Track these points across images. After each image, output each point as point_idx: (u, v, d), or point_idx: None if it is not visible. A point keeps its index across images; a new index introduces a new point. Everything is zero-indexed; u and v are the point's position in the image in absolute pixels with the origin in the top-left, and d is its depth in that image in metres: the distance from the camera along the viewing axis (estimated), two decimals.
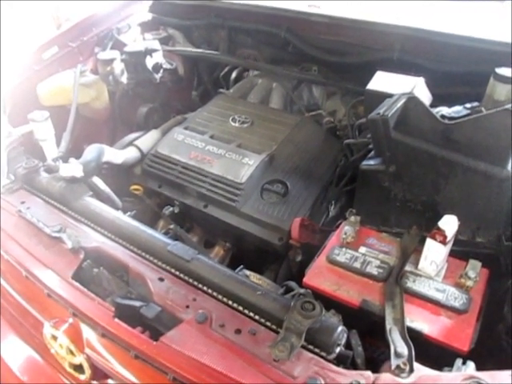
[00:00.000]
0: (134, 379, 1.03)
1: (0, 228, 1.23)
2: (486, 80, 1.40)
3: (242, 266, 1.26)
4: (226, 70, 2.27)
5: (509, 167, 1.07)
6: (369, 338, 1.01)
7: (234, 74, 2.24)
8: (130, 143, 1.75)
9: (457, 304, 1.01)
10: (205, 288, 1.05)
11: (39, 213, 1.27)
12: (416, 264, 1.11)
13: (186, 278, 1.07)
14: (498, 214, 1.12)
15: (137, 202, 1.67)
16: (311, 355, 0.88)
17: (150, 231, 1.22)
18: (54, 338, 1.13)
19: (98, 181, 1.51)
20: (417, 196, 1.21)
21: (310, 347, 0.90)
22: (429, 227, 1.09)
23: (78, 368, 1.16)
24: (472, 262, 1.10)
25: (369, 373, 0.83)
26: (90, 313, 1.03)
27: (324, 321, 0.92)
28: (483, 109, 1.24)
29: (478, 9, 1.79)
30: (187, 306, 0.99)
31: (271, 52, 2.11)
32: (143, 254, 1.15)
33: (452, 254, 1.11)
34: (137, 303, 1.01)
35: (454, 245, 1.09)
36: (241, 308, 0.99)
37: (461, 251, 1.14)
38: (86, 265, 1.12)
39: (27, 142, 1.58)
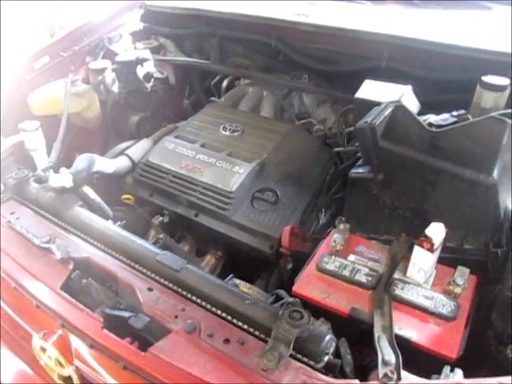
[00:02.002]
0: None
1: None
2: (473, 87, 1.42)
3: (231, 275, 1.26)
4: (218, 78, 2.28)
5: (494, 174, 1.08)
6: (359, 345, 1.01)
7: (225, 83, 2.25)
8: (121, 152, 1.75)
9: (445, 311, 1.02)
10: (194, 298, 1.05)
11: (28, 223, 1.27)
12: (405, 271, 1.12)
13: (175, 287, 1.07)
14: (485, 221, 1.12)
15: (128, 211, 1.67)
16: (299, 364, 0.88)
17: (139, 241, 1.22)
18: (43, 349, 1.12)
19: (88, 190, 1.51)
20: (405, 203, 1.22)
21: (299, 356, 0.90)
22: (418, 234, 1.10)
23: (68, 379, 1.15)
24: (460, 268, 1.11)
25: (356, 381, 0.83)
26: (79, 324, 1.02)
27: (312, 329, 0.92)
28: (470, 116, 1.25)
29: (465, 17, 1.80)
30: (176, 316, 0.99)
31: (262, 60, 2.12)
32: (132, 263, 1.14)
33: (440, 260, 1.11)
34: (125, 314, 1.01)
35: (442, 251, 1.10)
36: (230, 317, 0.99)
37: (449, 258, 1.14)
38: (75, 275, 1.12)
39: (18, 152, 1.58)
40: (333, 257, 1.18)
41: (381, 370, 0.84)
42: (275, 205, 1.49)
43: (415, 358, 0.92)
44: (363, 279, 1.11)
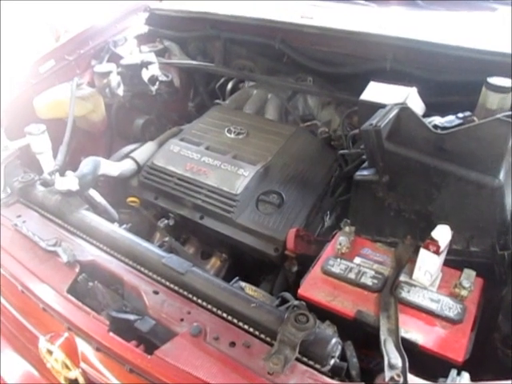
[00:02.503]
0: None
1: None
2: (478, 89, 1.42)
3: (237, 278, 1.26)
4: (222, 81, 2.29)
5: (500, 176, 1.08)
6: (365, 348, 1.01)
7: (229, 85, 2.26)
8: (127, 155, 1.76)
9: (451, 314, 1.01)
10: (199, 301, 1.05)
11: (35, 226, 1.27)
12: (410, 274, 1.11)
13: (181, 290, 1.07)
14: (491, 223, 1.12)
15: (133, 214, 1.68)
16: (305, 368, 0.87)
17: (145, 244, 1.22)
18: (50, 352, 1.13)
19: (94, 193, 1.51)
20: (410, 206, 1.21)
21: (305, 359, 0.89)
22: (423, 237, 1.10)
23: (74, 382, 1.15)
24: (466, 271, 1.11)
25: None
26: (85, 327, 1.03)
27: (318, 333, 0.91)
28: (475, 118, 1.25)
29: (470, 18, 1.80)
30: (182, 319, 0.99)
31: (266, 63, 2.13)
32: (138, 266, 1.15)
33: (446, 263, 1.11)
34: (131, 317, 1.01)
35: (448, 254, 1.09)
36: (235, 320, 0.99)
37: (455, 260, 1.14)
38: (81, 278, 1.12)
39: (24, 155, 1.59)
40: (338, 259, 1.18)
41: (387, 374, 0.84)
42: (280, 207, 1.49)
43: (421, 361, 0.92)
44: (369, 282, 1.11)
